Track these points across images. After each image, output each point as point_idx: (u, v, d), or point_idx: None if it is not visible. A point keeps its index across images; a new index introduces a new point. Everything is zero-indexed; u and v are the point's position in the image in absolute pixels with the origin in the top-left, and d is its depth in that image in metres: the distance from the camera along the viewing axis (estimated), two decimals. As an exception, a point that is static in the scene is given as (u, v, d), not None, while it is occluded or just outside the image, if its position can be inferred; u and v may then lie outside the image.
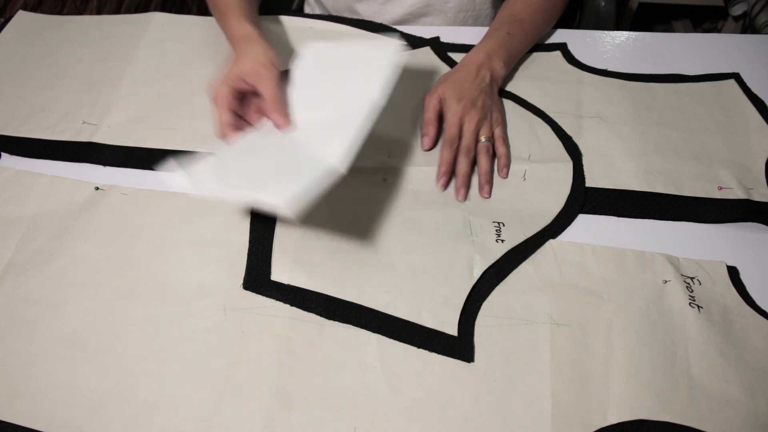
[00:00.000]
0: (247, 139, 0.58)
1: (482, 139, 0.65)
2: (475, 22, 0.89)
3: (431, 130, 0.67)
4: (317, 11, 0.97)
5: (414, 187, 0.64)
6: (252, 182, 0.51)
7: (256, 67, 0.58)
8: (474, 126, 0.64)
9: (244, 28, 0.64)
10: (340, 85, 0.61)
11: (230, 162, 0.54)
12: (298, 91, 0.62)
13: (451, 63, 0.78)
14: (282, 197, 0.47)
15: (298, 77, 0.63)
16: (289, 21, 0.84)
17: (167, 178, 0.52)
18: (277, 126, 0.58)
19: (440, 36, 0.81)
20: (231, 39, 0.66)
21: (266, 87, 0.58)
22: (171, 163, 0.53)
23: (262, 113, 0.61)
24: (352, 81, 0.60)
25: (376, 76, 0.58)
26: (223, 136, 0.58)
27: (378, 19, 0.86)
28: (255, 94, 0.61)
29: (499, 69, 0.70)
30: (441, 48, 0.80)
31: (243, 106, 0.61)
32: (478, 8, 0.88)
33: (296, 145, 0.56)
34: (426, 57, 0.79)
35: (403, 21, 0.88)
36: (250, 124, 0.61)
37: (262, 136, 0.59)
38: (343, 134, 0.54)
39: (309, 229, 0.61)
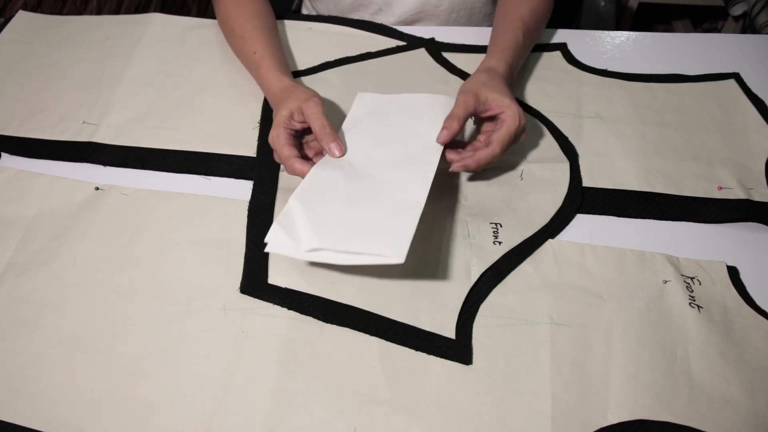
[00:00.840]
0: (321, 179, 0.57)
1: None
2: (469, 20, 0.89)
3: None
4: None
5: None
6: (353, 234, 0.51)
7: (300, 103, 0.60)
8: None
9: (282, 81, 0.66)
10: (401, 130, 0.62)
11: (321, 212, 0.53)
12: (356, 135, 0.62)
13: (447, 64, 0.78)
14: (390, 246, 0.49)
15: (352, 126, 0.64)
16: (289, 22, 0.84)
17: (269, 247, 0.51)
18: (331, 154, 0.59)
19: (436, 36, 0.81)
20: (269, 91, 0.68)
21: (313, 116, 0.59)
22: (274, 229, 0.51)
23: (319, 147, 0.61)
24: (412, 128, 0.62)
25: (434, 124, 0.60)
26: (292, 170, 0.59)
27: None
28: (308, 132, 0.62)
29: (514, 81, 0.70)
30: (436, 49, 0.80)
31: (304, 149, 0.63)
32: (470, 6, 0.87)
33: (374, 183, 0.56)
34: (421, 59, 0.79)
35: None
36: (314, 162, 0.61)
37: (333, 172, 0.58)
38: (420, 174, 0.56)
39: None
